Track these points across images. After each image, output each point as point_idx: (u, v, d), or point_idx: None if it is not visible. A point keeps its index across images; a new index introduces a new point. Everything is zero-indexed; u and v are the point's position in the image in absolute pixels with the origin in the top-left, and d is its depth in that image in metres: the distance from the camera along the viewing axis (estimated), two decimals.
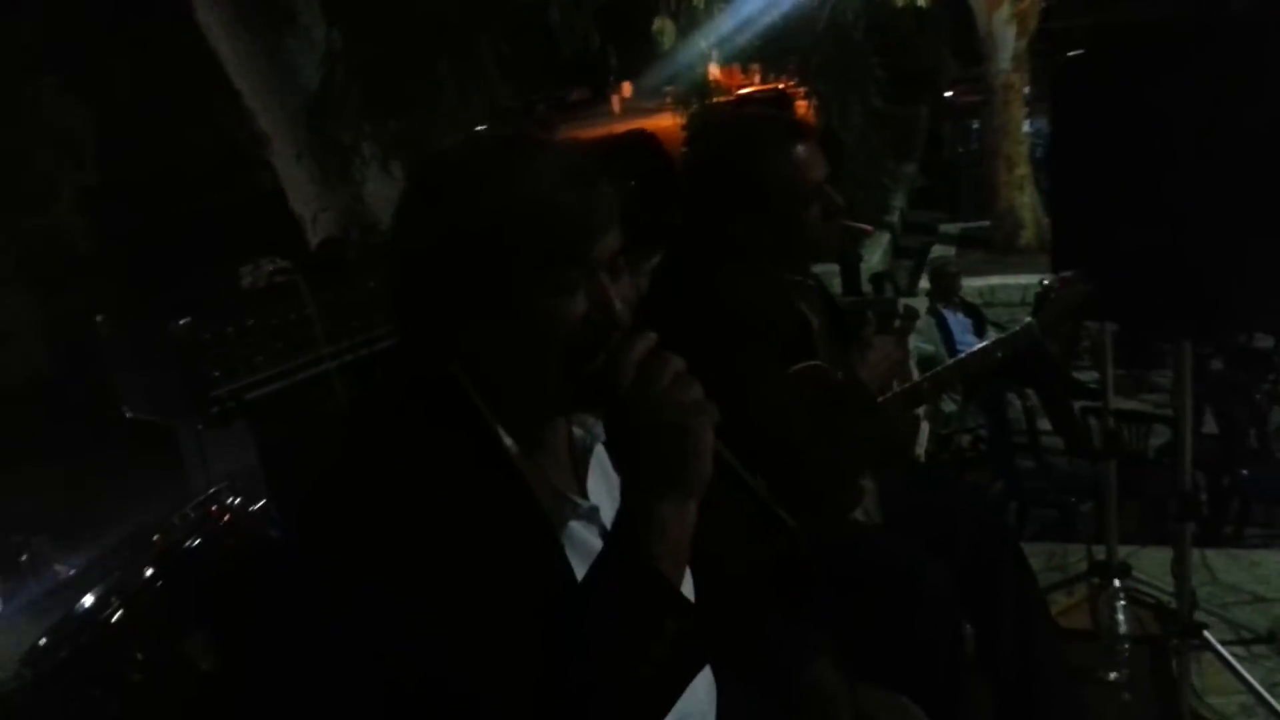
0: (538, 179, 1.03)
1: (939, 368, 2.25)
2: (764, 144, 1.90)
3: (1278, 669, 2.62)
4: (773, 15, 7.59)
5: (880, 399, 2.03)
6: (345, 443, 1.10)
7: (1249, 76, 2.14)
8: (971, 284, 7.90)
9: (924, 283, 7.43)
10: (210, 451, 2.90)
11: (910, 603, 1.80)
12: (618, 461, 1.06)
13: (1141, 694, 2.59)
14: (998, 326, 6.84)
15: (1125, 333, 4.31)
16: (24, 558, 2.74)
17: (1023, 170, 9.54)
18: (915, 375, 2.31)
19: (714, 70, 9.14)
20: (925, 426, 4.52)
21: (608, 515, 1.11)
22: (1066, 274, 2.28)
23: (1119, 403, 4.76)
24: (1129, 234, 2.29)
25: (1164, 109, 2.21)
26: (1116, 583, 2.86)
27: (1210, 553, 3.22)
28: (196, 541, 2.14)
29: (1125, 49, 2.41)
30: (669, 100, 10.66)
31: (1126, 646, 2.68)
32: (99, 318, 2.84)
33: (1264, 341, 5.14)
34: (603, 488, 1.19)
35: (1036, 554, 3.23)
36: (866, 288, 6.69)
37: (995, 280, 8.61)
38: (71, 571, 2.45)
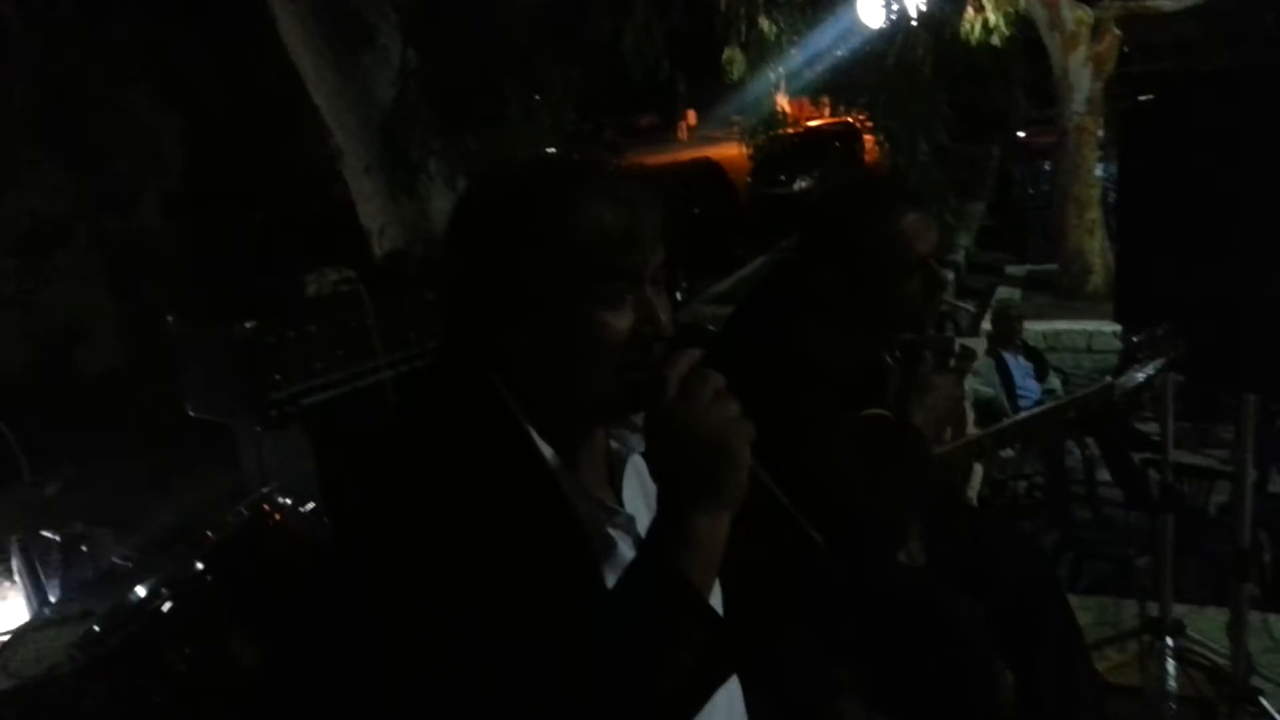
0: (587, 196, 1.07)
1: (1003, 424, 2.20)
2: (874, 207, 1.88)
3: None
4: (843, 50, 7.60)
5: (939, 451, 2.00)
6: (386, 449, 1.13)
7: None
8: (1035, 328, 7.76)
9: (986, 324, 7.31)
10: (266, 453, 2.98)
11: (943, 643, 1.78)
12: (654, 471, 1.10)
13: None
14: (1060, 372, 6.72)
15: (1191, 384, 4.20)
16: (84, 548, 2.84)
17: (1093, 214, 9.37)
18: (971, 418, 2.27)
19: (782, 101, 9.17)
20: (979, 470, 4.46)
21: (643, 525, 1.13)
22: (1154, 332, 2.22)
23: (1182, 456, 4.65)
24: (1195, 283, 2.26)
25: (1234, 157, 2.18)
26: (1169, 641, 2.76)
27: (1272, 617, 3.12)
28: (247, 540, 2.19)
29: (1196, 95, 2.38)
30: (736, 129, 10.72)
31: (1174, 706, 2.60)
32: (169, 318, 2.94)
33: None
34: (639, 498, 1.21)
35: (1089, 608, 3.19)
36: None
37: (1060, 325, 8.45)
38: (128, 564, 2.52)
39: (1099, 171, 9.38)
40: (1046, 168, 11.02)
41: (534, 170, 1.15)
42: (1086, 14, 8.82)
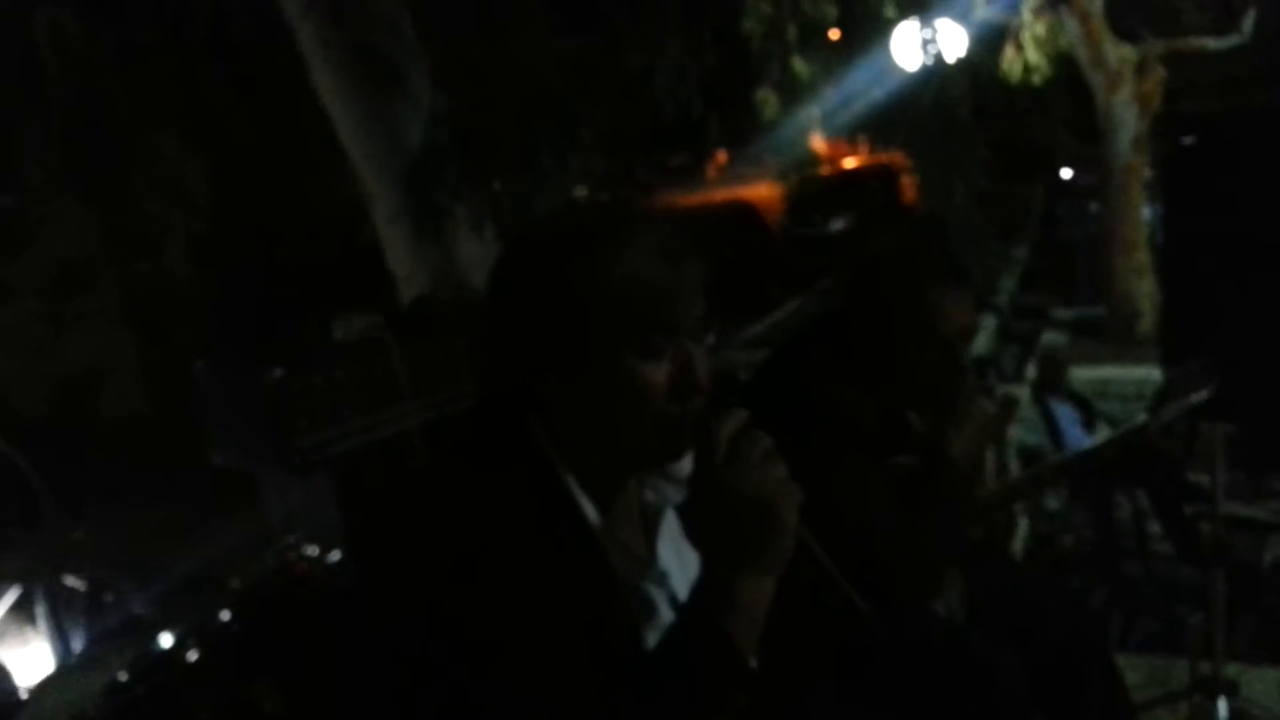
0: (628, 249, 1.09)
1: (1039, 467, 2.15)
2: (909, 278, 1.85)
3: None
4: (878, 90, 7.60)
5: (976, 494, 1.97)
6: (421, 498, 1.14)
7: None
8: (1083, 374, 7.62)
9: (1031, 370, 7.17)
10: (292, 500, 2.97)
11: (982, 697, 1.73)
12: (701, 532, 1.10)
13: None
14: (1109, 420, 6.55)
15: (1244, 432, 4.08)
16: (108, 596, 2.85)
17: (1142, 256, 9.23)
18: (1013, 468, 2.23)
19: (817, 141, 9.18)
20: (1023, 523, 4.36)
21: (676, 580, 1.17)
22: (1189, 367, 2.16)
23: (1235, 508, 4.50)
24: (1245, 325, 2.21)
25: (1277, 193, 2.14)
26: (1221, 701, 2.68)
27: None
28: (272, 590, 2.21)
29: (1238, 135, 2.34)
30: (769, 170, 10.73)
31: None
32: (197, 363, 2.96)
33: None
34: (672, 552, 1.22)
35: (1139, 667, 3.12)
36: None
37: (1109, 371, 8.28)
38: (151, 613, 2.53)
39: (1147, 213, 9.27)
40: (1093, 208, 10.91)
41: (575, 220, 1.19)
42: (1130, 52, 8.77)
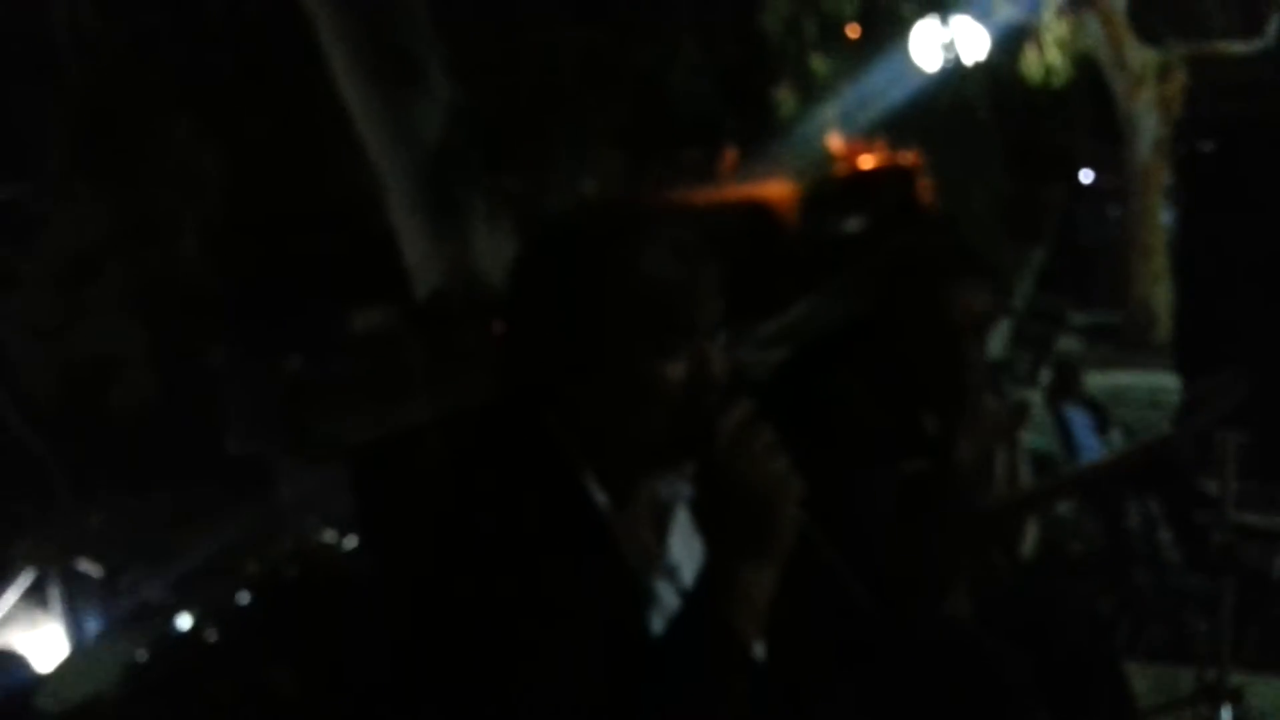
0: (646, 250, 1.10)
1: (1056, 479, 2.14)
2: (917, 273, 1.89)
3: None
4: (896, 90, 7.59)
5: (988, 504, 1.99)
6: (438, 485, 1.16)
7: None
8: (1098, 380, 7.58)
9: (1045, 375, 7.16)
10: (305, 488, 3.02)
11: (989, 700, 1.73)
12: (705, 523, 1.12)
13: None
14: (1124, 427, 6.53)
15: (1257, 440, 4.07)
16: (123, 582, 2.90)
17: (1160, 262, 9.18)
18: (1025, 474, 2.24)
19: (833, 140, 9.18)
20: (1033, 528, 4.35)
21: (687, 575, 1.17)
22: (1219, 378, 2.15)
23: (1246, 517, 4.48)
24: (1261, 336, 2.21)
25: None
26: (1226, 710, 2.67)
27: None
28: (289, 573, 2.25)
29: (1257, 142, 2.34)
30: (785, 168, 10.74)
31: None
32: (216, 352, 3.00)
33: None
34: (683, 548, 1.23)
35: (1146, 675, 3.13)
36: None
37: (1124, 378, 8.23)
38: (168, 597, 2.58)
39: (1166, 218, 9.22)
40: (1112, 212, 10.87)
41: (594, 220, 1.20)
42: (1153, 55, 8.73)
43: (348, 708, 2.08)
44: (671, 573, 1.18)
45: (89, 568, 3.03)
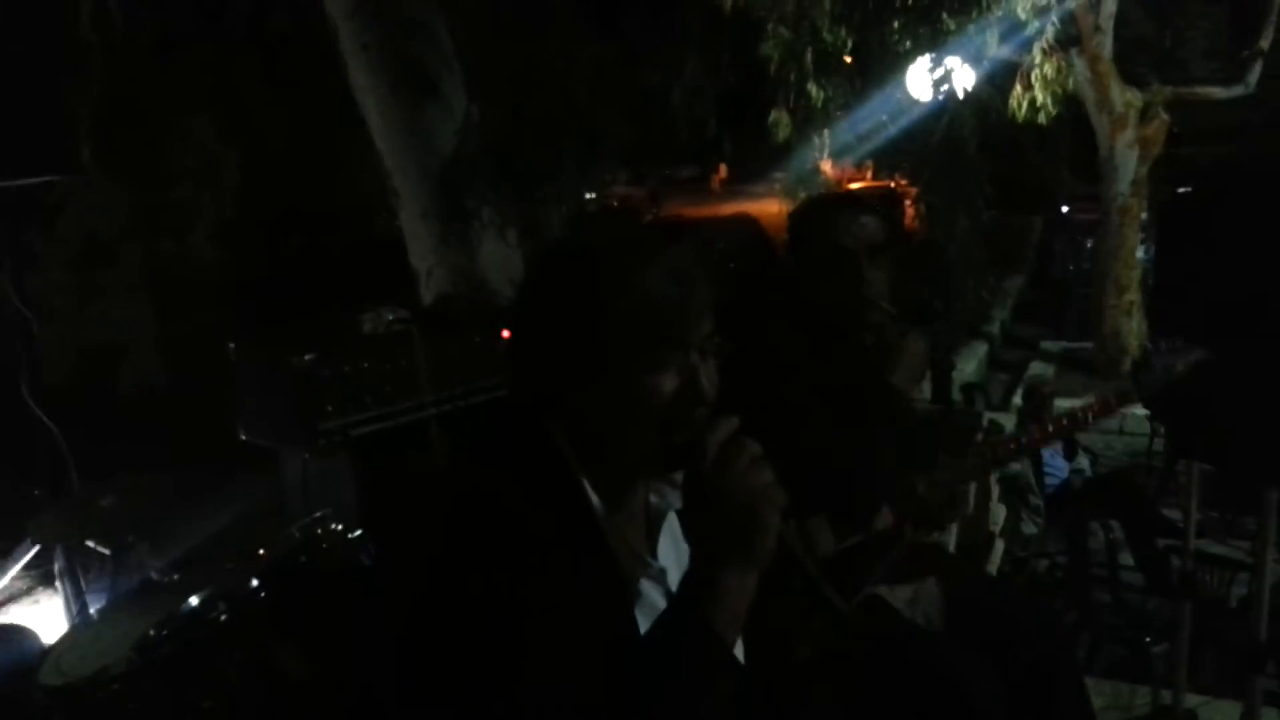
0: (643, 269, 1.16)
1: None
2: (819, 208, 2.20)
3: None
4: (888, 119, 7.75)
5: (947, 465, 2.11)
6: (442, 483, 1.23)
7: None
8: (1067, 406, 7.71)
9: (1017, 399, 7.31)
10: (311, 479, 3.10)
11: (956, 710, 1.82)
12: (691, 530, 1.18)
13: None
14: (1089, 453, 6.69)
15: (1221, 474, 4.19)
16: (131, 561, 2.95)
17: (1132, 296, 9.35)
18: (995, 493, 2.33)
19: (825, 164, 9.32)
20: (999, 545, 4.46)
21: (674, 579, 1.21)
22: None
23: (1206, 545, 4.62)
24: (1224, 374, 2.29)
25: (1267, 251, 2.22)
26: None
27: None
28: (300, 560, 2.28)
29: (1232, 189, 2.43)
30: (777, 187, 10.85)
31: None
32: (231, 345, 3.09)
33: None
34: (671, 553, 1.29)
35: (1102, 692, 3.17)
36: (956, 397, 6.63)
37: None
38: (174, 576, 2.62)
39: (1141, 253, 9.38)
40: (1089, 245, 11.02)
41: (595, 239, 1.26)
42: (1136, 97, 8.89)
43: (354, 691, 2.14)
44: (659, 576, 1.23)
45: (98, 546, 3.09)
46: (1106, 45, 8.54)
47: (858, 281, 2.07)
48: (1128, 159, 9.07)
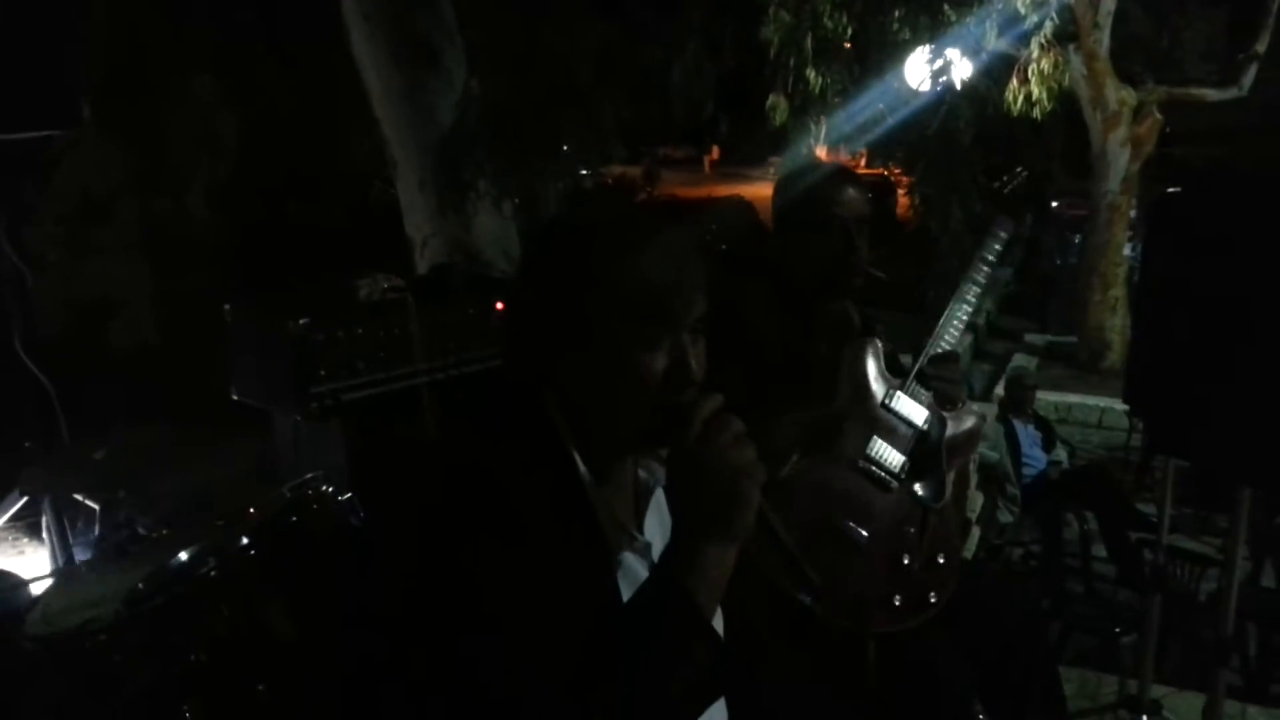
0: (639, 249, 1.19)
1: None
2: (805, 175, 2.20)
3: None
4: (885, 107, 7.76)
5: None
6: (436, 449, 1.27)
7: None
8: (1048, 398, 7.81)
9: (999, 389, 7.40)
10: (301, 441, 3.12)
11: (927, 700, 1.87)
12: (675, 503, 1.21)
13: None
14: (1067, 445, 6.78)
15: (1196, 471, 4.25)
16: (120, 515, 2.97)
17: (1117, 292, 9.43)
18: (974, 481, 2.37)
19: (820, 150, 9.35)
20: (976, 532, 4.53)
21: (658, 552, 1.24)
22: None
23: (1178, 540, 4.71)
24: (1204, 371, 2.32)
25: (1251, 256, 2.24)
26: (1144, 719, 2.85)
27: (1252, 709, 3.18)
28: (290, 520, 2.30)
29: (1220, 192, 2.45)
30: (772, 171, 10.88)
31: None
32: (226, 306, 3.10)
33: None
34: (656, 527, 1.32)
35: (1071, 680, 3.22)
36: None
37: (1073, 398, 8.51)
38: (163, 531, 2.63)
39: (1127, 250, 9.45)
40: (1076, 240, 11.09)
41: (597, 216, 1.28)
42: (1130, 95, 8.93)
43: (341, 651, 2.16)
44: (644, 550, 1.26)
45: (86, 499, 3.10)
46: (1104, 42, 8.56)
47: (848, 247, 2.10)
48: (1119, 157, 9.11)
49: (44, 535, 3.22)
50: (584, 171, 6.26)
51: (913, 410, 2.05)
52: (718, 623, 1.24)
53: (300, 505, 2.39)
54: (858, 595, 1.87)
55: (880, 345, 2.13)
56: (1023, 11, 6.75)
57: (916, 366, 2.11)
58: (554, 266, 1.22)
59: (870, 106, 7.70)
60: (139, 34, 5.66)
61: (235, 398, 3.16)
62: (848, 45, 7.39)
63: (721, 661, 1.14)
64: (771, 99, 7.49)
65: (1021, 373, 7.20)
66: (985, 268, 2.22)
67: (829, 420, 2.01)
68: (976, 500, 5.40)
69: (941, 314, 2.18)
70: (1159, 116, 9.10)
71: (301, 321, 2.87)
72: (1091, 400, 8.39)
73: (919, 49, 7.00)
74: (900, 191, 10.97)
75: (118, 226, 6.39)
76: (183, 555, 2.24)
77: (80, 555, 3.12)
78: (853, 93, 7.59)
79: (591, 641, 1.08)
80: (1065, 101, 8.40)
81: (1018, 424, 6.00)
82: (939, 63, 6.95)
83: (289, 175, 6.96)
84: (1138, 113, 9.02)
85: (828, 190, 2.11)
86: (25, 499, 3.35)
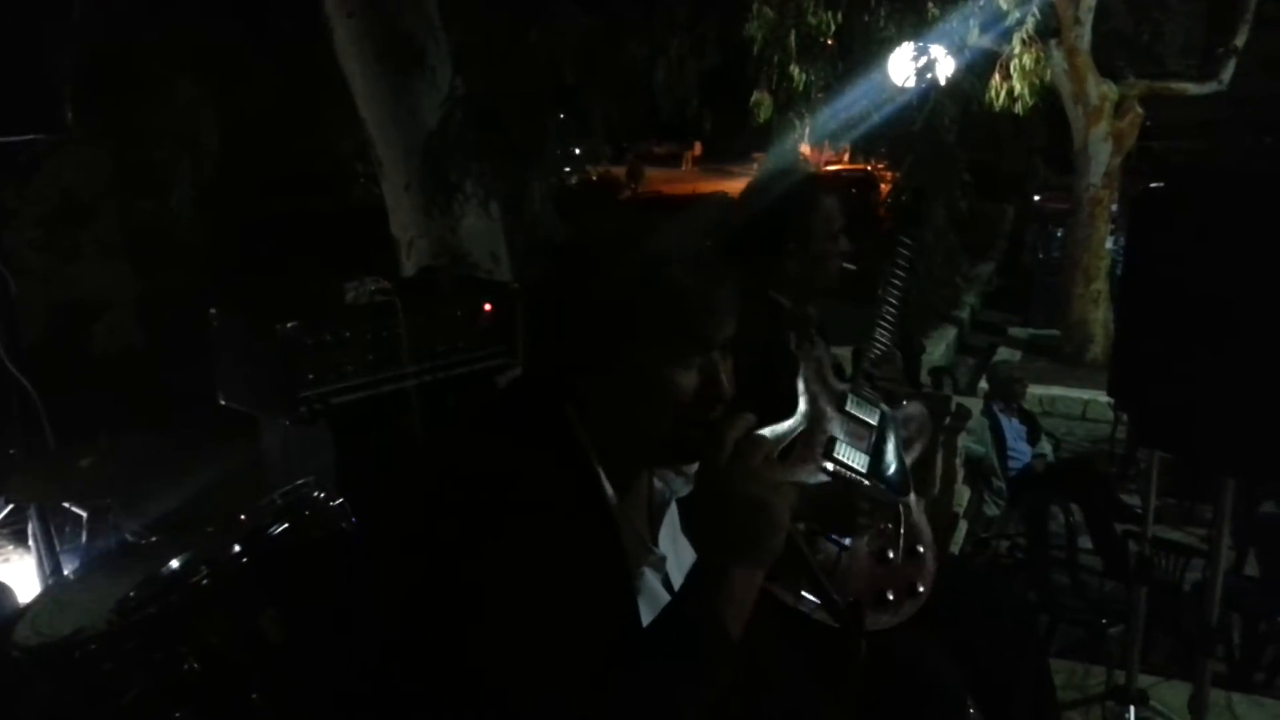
0: (674, 268, 1.17)
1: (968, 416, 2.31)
2: (796, 191, 2.22)
3: None
4: (869, 103, 7.79)
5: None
6: (434, 453, 1.25)
7: None
8: (1032, 391, 7.85)
9: (984, 383, 7.45)
10: (290, 445, 3.10)
11: (917, 701, 1.86)
12: (702, 525, 1.18)
13: None
14: (1052, 437, 6.82)
15: (1181, 463, 4.29)
16: (109, 523, 2.95)
17: (1099, 286, 9.51)
18: (960, 475, 2.40)
19: (804, 146, 9.37)
20: (963, 525, 4.56)
21: (670, 567, 1.25)
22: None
23: (1165, 532, 4.75)
24: (1187, 364, 2.34)
25: (1232, 250, 2.27)
26: (1131, 709, 2.87)
27: (1236, 696, 3.20)
28: (282, 526, 2.29)
29: (1200, 188, 2.47)
30: (755, 167, 10.90)
31: None
32: (211, 310, 3.08)
33: None
34: (669, 540, 1.31)
35: (1059, 671, 3.21)
36: (925, 380, 6.72)
37: (1057, 391, 8.57)
38: (152, 538, 2.62)
39: (1109, 244, 9.52)
40: (1059, 234, 11.18)
41: (630, 233, 1.25)
42: (1111, 90, 8.99)
43: (335, 658, 2.16)
44: (659, 563, 1.25)
45: (73, 506, 3.08)
46: (1085, 38, 8.62)
47: (820, 270, 2.16)
48: (1101, 151, 9.17)
49: (30, 543, 3.19)
50: (567, 169, 6.27)
51: (866, 411, 2.15)
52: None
53: (292, 511, 2.37)
54: (853, 596, 1.88)
55: (828, 352, 2.21)
56: (1005, 8, 6.80)
57: (858, 372, 2.23)
58: (585, 280, 1.19)
59: (854, 103, 7.73)
60: (120, 34, 5.61)
61: (223, 403, 3.14)
62: (831, 42, 7.42)
63: (744, 685, 1.15)
64: (755, 95, 7.52)
65: (1005, 366, 7.24)
66: (898, 279, 2.32)
67: (794, 428, 2.05)
68: (963, 494, 5.43)
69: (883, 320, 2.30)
70: (1140, 111, 9.17)
71: (289, 325, 2.85)
72: (1075, 393, 8.46)
73: (902, 45, 7.03)
74: (883, 186, 11.03)
75: (100, 229, 6.34)
76: (174, 563, 2.23)
77: (68, 563, 3.10)
78: (836, 89, 7.62)
79: (609, 656, 1.06)
80: (1047, 97, 8.45)
81: (1003, 418, 6.04)
82: (922, 59, 6.98)
83: (273, 176, 6.92)
84: (1119, 107, 9.09)
85: (805, 215, 2.16)
86: (11, 506, 3.33)
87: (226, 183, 7.09)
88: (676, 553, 1.26)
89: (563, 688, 1.04)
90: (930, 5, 6.85)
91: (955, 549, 4.42)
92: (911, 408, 2.27)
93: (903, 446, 2.19)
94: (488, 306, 3.37)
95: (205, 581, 2.18)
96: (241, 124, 6.96)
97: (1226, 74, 9.17)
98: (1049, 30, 8.13)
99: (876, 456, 2.09)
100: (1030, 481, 5.72)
